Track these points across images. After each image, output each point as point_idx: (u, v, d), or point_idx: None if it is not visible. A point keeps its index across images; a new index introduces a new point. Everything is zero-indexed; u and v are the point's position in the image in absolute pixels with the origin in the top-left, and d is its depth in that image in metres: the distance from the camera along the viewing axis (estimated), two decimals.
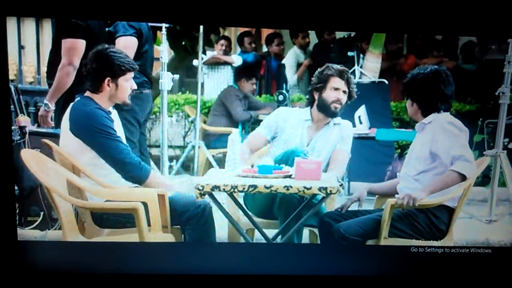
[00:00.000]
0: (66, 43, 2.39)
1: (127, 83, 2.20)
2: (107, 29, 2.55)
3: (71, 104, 2.17)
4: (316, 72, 2.46)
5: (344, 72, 2.41)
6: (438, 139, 2.21)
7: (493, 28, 2.28)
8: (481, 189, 2.93)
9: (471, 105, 3.29)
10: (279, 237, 2.30)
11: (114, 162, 2.13)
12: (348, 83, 2.41)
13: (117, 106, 2.27)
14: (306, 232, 2.42)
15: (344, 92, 2.41)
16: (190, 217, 2.21)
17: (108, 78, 2.16)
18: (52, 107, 2.41)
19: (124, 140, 2.24)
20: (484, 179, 2.86)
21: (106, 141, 2.10)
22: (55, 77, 2.40)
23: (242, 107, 3.53)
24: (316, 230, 2.39)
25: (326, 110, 2.43)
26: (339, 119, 2.48)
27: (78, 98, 2.18)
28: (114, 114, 2.25)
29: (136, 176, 2.16)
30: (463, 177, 2.16)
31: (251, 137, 2.53)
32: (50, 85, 2.45)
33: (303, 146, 2.43)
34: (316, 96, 2.45)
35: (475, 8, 2.20)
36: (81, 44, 2.37)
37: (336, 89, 2.41)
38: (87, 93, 2.18)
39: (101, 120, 2.11)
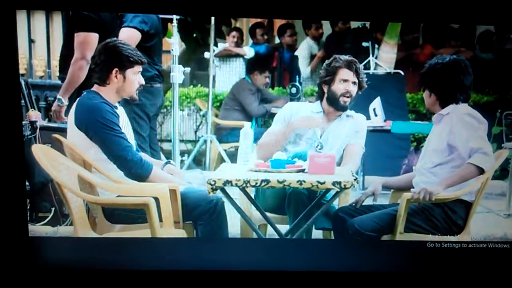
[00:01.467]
0: (79, 36, 2.37)
1: (135, 77, 2.18)
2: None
3: (78, 98, 2.15)
4: (324, 65, 2.42)
5: (352, 62, 2.36)
6: (456, 131, 2.17)
7: None
8: (499, 183, 2.89)
9: (489, 96, 3.25)
10: (289, 235, 2.28)
11: (115, 159, 2.11)
12: (357, 73, 2.36)
13: (127, 101, 2.25)
14: None
15: (354, 83, 2.37)
16: (202, 212, 2.19)
17: (116, 69, 2.14)
18: (66, 102, 2.40)
19: (130, 136, 2.22)
20: (502, 173, 2.83)
21: (108, 136, 2.08)
22: (67, 72, 2.38)
23: (257, 101, 3.50)
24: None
25: (336, 104, 2.39)
26: (352, 111, 2.44)
27: (85, 93, 2.16)
28: (121, 111, 2.22)
29: (138, 174, 2.13)
30: (481, 171, 2.12)
31: (269, 135, 2.46)
32: (62, 79, 2.44)
33: (316, 138, 2.40)
34: (325, 89, 2.41)
35: None
36: (94, 37, 2.35)
37: (345, 80, 2.37)
38: (94, 87, 2.16)
39: (105, 114, 2.08)
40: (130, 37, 2.50)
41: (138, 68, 2.18)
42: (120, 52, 2.14)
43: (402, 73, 3.35)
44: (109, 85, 2.15)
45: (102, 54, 2.15)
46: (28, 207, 2.41)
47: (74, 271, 2.25)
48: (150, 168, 2.14)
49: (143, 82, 2.21)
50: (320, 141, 2.39)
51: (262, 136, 2.46)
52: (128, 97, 2.21)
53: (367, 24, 3.49)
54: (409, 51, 3.45)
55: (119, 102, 2.23)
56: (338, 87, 2.37)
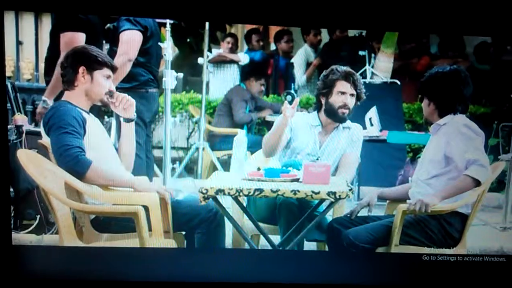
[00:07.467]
0: (64, 37, 2.32)
1: (104, 80, 2.13)
2: (110, 24, 2.50)
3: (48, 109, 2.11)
4: (321, 76, 2.39)
5: (350, 74, 2.33)
6: (453, 142, 2.15)
7: (509, 28, 2.24)
8: (495, 195, 2.91)
9: (485, 108, 3.26)
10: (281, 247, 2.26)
11: (54, 153, 2.02)
12: (354, 85, 2.33)
13: None
14: None
15: (352, 95, 2.34)
16: (201, 220, 2.17)
17: (83, 68, 2.09)
18: (51, 103, 2.34)
19: (108, 146, 2.18)
20: (498, 185, 2.83)
21: (54, 134, 2.01)
22: (53, 73, 2.32)
23: (246, 108, 3.48)
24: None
25: (334, 116, 2.36)
26: (349, 122, 2.41)
27: (55, 104, 2.13)
28: (92, 119, 2.15)
29: (73, 168, 2.02)
30: (477, 183, 2.10)
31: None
32: (48, 82, 2.40)
33: (316, 153, 2.38)
34: (323, 101, 2.38)
35: (491, 7, 2.16)
36: (80, 37, 2.31)
37: (343, 93, 2.33)
38: (64, 96, 2.12)
39: (64, 117, 2.02)
40: (133, 39, 2.46)
41: (107, 71, 2.13)
42: (87, 53, 2.11)
43: (398, 82, 3.35)
44: (77, 87, 2.10)
45: (69, 57, 2.11)
46: (12, 214, 2.37)
47: (59, 281, 2.20)
48: (87, 164, 2.03)
49: (113, 88, 2.16)
50: (319, 156, 2.36)
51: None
52: (99, 102, 2.16)
53: (364, 32, 3.49)
54: (406, 61, 3.45)
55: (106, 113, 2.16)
56: (335, 99, 2.34)
